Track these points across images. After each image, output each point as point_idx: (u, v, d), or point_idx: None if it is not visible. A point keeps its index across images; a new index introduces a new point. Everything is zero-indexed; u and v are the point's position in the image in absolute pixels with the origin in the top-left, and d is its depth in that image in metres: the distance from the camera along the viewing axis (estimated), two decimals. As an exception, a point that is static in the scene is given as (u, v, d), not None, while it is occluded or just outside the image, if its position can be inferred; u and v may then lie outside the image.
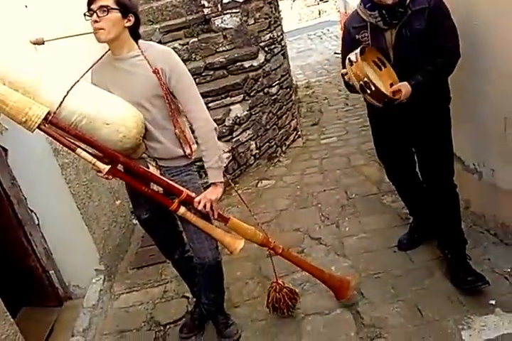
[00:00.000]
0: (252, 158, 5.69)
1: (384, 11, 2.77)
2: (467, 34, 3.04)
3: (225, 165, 5.06)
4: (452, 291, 3.05)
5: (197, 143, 2.73)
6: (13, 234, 3.49)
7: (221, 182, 2.71)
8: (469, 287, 2.97)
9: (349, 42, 2.99)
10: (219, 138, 4.98)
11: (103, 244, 3.89)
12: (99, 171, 2.49)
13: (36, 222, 3.53)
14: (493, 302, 2.89)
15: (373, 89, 2.67)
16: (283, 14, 10.36)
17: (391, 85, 2.85)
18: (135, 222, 4.71)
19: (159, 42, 5.49)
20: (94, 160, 2.45)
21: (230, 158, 5.32)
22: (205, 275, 2.95)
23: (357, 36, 2.92)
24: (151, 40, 5.43)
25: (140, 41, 2.62)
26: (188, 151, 2.72)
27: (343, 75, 2.84)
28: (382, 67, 2.87)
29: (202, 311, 3.20)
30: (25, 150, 3.34)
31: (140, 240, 4.51)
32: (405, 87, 2.76)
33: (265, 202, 4.90)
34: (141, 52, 2.55)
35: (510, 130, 3.01)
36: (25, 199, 3.48)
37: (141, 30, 5.40)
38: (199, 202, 2.64)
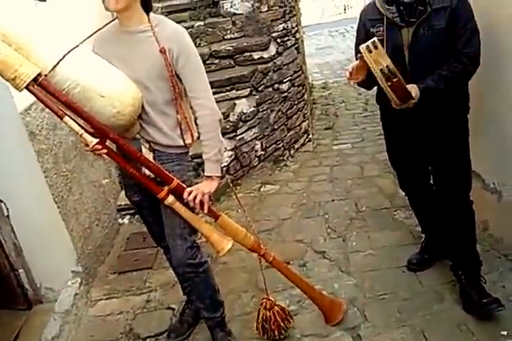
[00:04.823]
0: (257, 159, 5.66)
1: (402, 7, 2.76)
2: (491, 38, 3.03)
3: (226, 162, 5.11)
4: (462, 319, 3.03)
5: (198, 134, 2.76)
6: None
7: (217, 176, 2.72)
8: (484, 310, 2.96)
9: (363, 36, 2.99)
10: (222, 134, 5.01)
11: (82, 243, 3.83)
12: (87, 145, 2.49)
13: (6, 214, 3.45)
14: (505, 333, 2.87)
15: (396, 79, 2.65)
16: (303, 6, 10.34)
17: None
18: (121, 221, 4.73)
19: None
20: (82, 131, 2.44)
21: (233, 157, 5.29)
22: (188, 280, 3.00)
23: (372, 29, 2.92)
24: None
25: (151, 15, 2.63)
26: (188, 141, 2.76)
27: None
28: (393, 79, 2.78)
29: (194, 313, 3.22)
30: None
31: (125, 242, 4.49)
32: (415, 89, 2.76)
33: (267, 208, 4.88)
34: (151, 27, 2.56)
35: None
36: (-7, 186, 3.41)
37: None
38: (190, 193, 2.65)
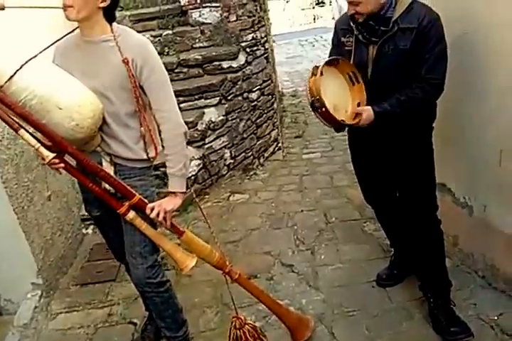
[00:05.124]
0: (226, 168, 5.56)
1: (360, 27, 2.70)
2: (462, 52, 2.97)
3: (194, 171, 5.01)
4: (431, 337, 2.96)
5: (163, 146, 2.63)
6: None
7: (182, 192, 2.62)
8: (452, 339, 2.86)
9: (336, 43, 2.94)
10: (189, 143, 4.97)
11: (43, 254, 3.68)
12: (44, 158, 2.39)
13: (-36, 225, 3.32)
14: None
15: (323, 110, 2.63)
16: (274, 15, 10.25)
17: (358, 105, 2.79)
18: (85, 231, 4.57)
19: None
20: (38, 145, 2.35)
21: (201, 165, 5.18)
22: (147, 299, 2.87)
23: (342, 39, 2.85)
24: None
25: (114, 24, 2.53)
26: (151, 154, 2.65)
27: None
28: (355, 83, 2.80)
29: (155, 329, 3.08)
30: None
31: (88, 253, 4.32)
32: (367, 113, 2.71)
33: (236, 218, 4.77)
34: (114, 37, 2.46)
35: (506, 164, 2.90)
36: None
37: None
38: (152, 210, 2.53)
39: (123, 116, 2.53)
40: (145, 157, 2.62)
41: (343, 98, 2.79)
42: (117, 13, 5.32)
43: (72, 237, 4.27)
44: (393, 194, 3.14)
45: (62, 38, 2.56)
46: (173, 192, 2.60)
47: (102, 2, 2.39)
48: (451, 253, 3.51)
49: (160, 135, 2.63)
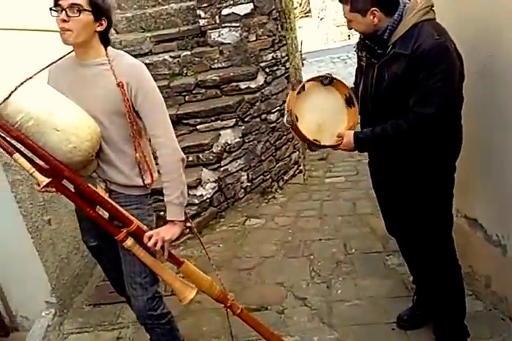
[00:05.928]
0: (243, 191, 5.44)
1: (363, 48, 2.62)
2: (491, 77, 2.78)
3: (209, 194, 4.97)
4: None
5: (159, 172, 2.57)
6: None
7: (180, 220, 2.54)
8: None
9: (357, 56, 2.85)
10: (204, 166, 4.89)
11: (57, 273, 3.72)
12: (38, 184, 2.33)
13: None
14: None
15: (294, 124, 2.62)
16: (307, 33, 10.10)
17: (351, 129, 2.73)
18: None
19: (149, 52, 5.50)
20: (33, 169, 2.29)
21: (216, 188, 5.08)
22: (148, 330, 2.76)
23: (359, 53, 2.77)
24: (140, 49, 5.54)
25: (109, 48, 2.52)
26: (147, 181, 2.59)
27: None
28: (352, 106, 2.74)
29: None
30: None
31: (104, 272, 4.22)
32: (348, 137, 2.63)
33: (250, 244, 4.59)
34: (108, 60, 2.44)
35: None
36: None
37: (132, 37, 5.30)
38: (150, 238, 2.45)
39: (117, 142, 2.48)
40: (141, 183, 2.56)
41: (335, 118, 2.72)
42: (139, 35, 5.65)
43: (88, 256, 4.16)
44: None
45: (58, 60, 2.53)
46: (172, 221, 2.51)
47: (99, 26, 2.38)
48: (482, 295, 3.27)
49: (156, 161, 2.56)
